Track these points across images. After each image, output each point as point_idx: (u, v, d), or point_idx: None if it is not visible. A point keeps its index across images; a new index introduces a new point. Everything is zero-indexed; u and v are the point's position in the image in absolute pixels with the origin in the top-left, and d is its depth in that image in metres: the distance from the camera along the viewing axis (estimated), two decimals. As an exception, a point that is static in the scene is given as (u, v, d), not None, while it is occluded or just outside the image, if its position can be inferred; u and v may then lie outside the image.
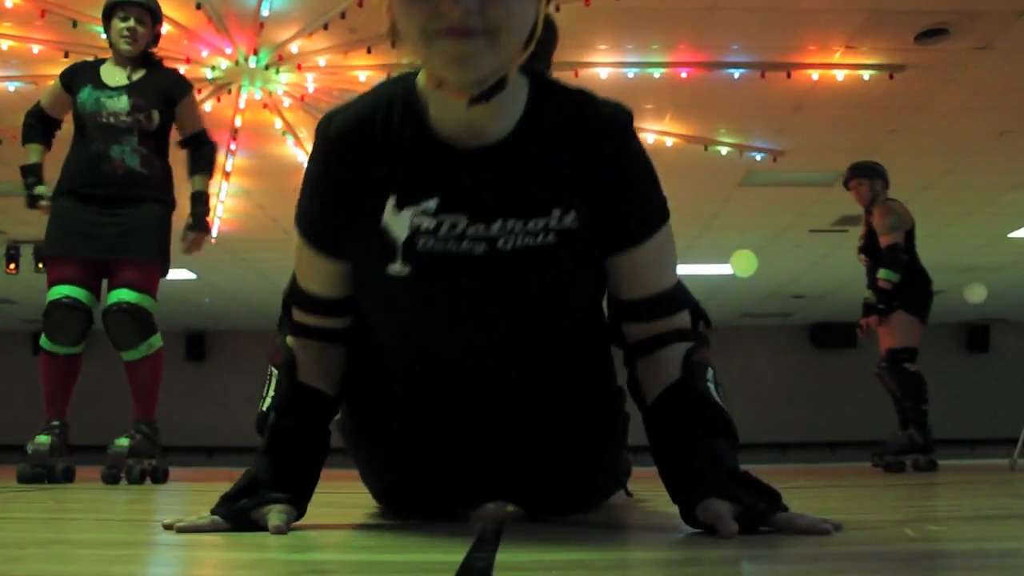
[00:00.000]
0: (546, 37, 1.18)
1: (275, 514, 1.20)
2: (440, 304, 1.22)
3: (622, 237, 1.24)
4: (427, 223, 1.18)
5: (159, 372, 3.43)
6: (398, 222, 1.19)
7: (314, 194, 1.25)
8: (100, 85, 3.42)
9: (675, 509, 1.23)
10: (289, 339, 1.35)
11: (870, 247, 4.86)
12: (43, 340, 3.32)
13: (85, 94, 3.39)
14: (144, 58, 3.51)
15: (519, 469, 1.43)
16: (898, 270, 4.66)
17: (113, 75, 3.46)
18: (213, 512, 1.23)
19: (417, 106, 1.19)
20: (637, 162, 1.24)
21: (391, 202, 1.19)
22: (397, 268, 1.19)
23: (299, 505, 1.27)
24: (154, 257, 3.39)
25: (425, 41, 1.07)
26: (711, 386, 1.25)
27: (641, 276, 1.27)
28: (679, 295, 1.31)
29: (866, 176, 4.93)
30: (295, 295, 1.34)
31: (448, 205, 1.18)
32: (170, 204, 3.52)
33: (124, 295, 3.28)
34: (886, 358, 4.79)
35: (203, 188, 3.57)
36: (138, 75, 3.46)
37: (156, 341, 3.38)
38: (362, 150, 1.20)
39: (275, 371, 1.34)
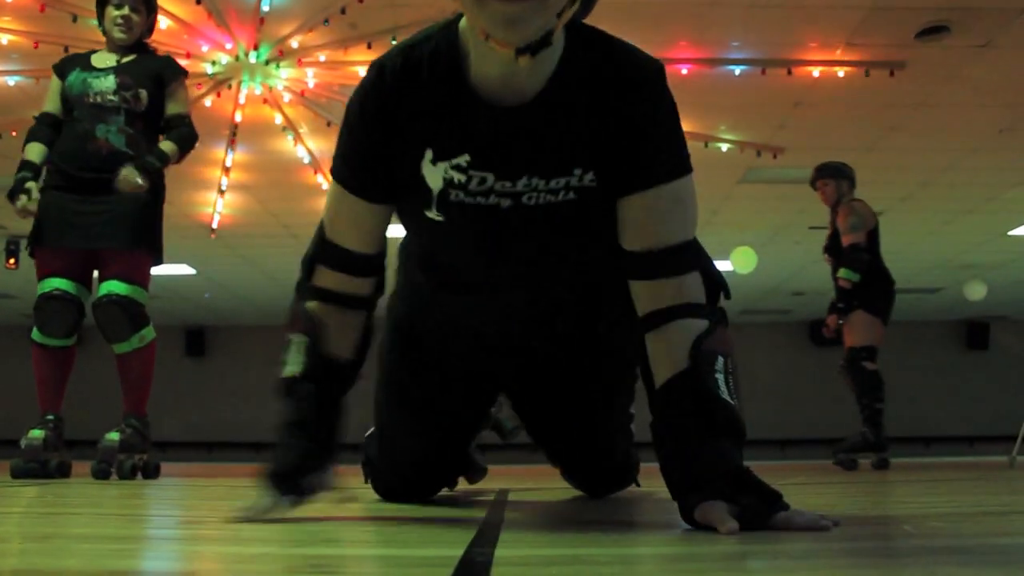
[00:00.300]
0: None
1: (331, 483, 1.33)
2: (469, 245, 1.35)
3: (633, 179, 1.25)
4: (459, 177, 1.27)
5: (151, 365, 3.37)
6: (433, 174, 1.27)
7: (360, 137, 1.29)
8: (88, 68, 3.36)
9: (675, 504, 1.23)
10: (311, 304, 1.37)
11: (834, 247, 4.89)
12: (35, 333, 3.28)
13: (73, 76, 3.33)
14: (138, 48, 3.44)
15: (533, 377, 1.70)
16: (858, 269, 4.70)
17: (104, 60, 3.40)
18: (279, 490, 1.28)
19: (459, 60, 1.24)
20: (664, 111, 1.25)
21: (429, 154, 1.27)
22: (433, 214, 1.30)
23: (332, 468, 1.37)
24: (143, 245, 3.29)
25: (476, 0, 1.11)
26: (720, 378, 1.21)
27: (647, 225, 1.26)
28: (689, 255, 1.27)
29: (832, 177, 4.96)
30: (324, 252, 1.36)
31: (478, 162, 1.26)
32: (160, 189, 3.39)
33: (114, 287, 3.22)
34: (845, 357, 4.83)
35: (167, 151, 3.33)
36: (128, 59, 3.40)
37: (148, 333, 3.32)
38: (409, 98, 1.25)
39: (295, 338, 1.35)
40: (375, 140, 1.28)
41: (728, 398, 1.21)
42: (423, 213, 1.30)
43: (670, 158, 1.26)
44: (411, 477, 1.80)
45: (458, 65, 1.24)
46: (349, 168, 1.32)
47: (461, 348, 1.63)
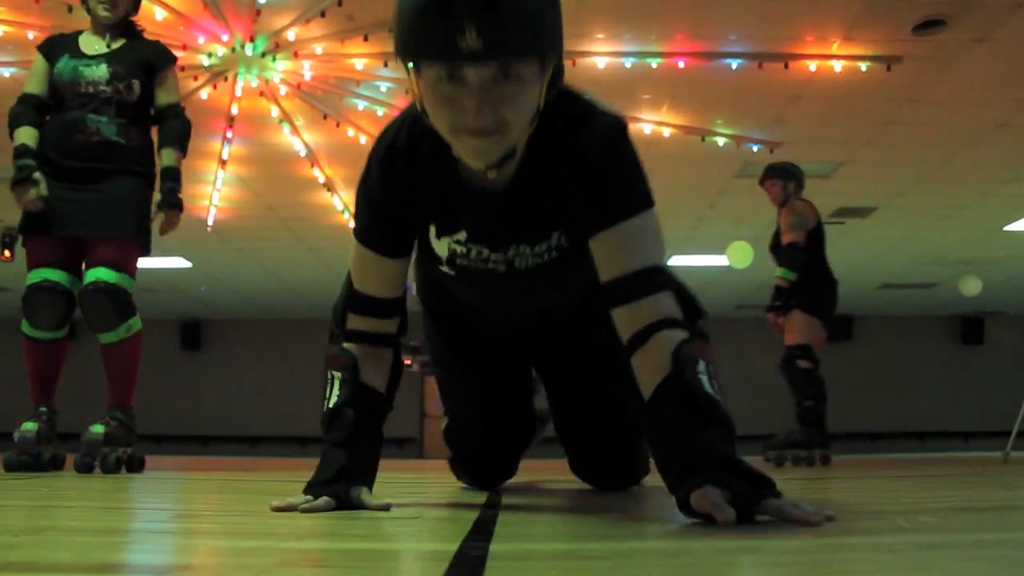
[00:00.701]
0: (555, 74, 1.32)
1: (367, 495, 1.44)
2: (477, 291, 1.69)
3: (599, 221, 1.39)
4: (460, 249, 1.52)
5: (137, 356, 3.29)
6: (439, 245, 1.53)
7: (375, 206, 1.49)
8: (78, 54, 3.27)
9: (672, 500, 1.23)
10: (346, 345, 1.56)
11: (778, 246, 4.90)
12: (24, 325, 3.23)
13: (62, 63, 3.25)
14: (124, 28, 3.36)
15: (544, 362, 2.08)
16: (795, 268, 4.72)
17: (92, 44, 3.31)
18: (316, 494, 1.40)
19: (448, 150, 1.37)
20: (621, 163, 1.39)
21: (433, 229, 1.51)
22: (445, 270, 1.58)
23: (371, 487, 1.51)
24: (131, 232, 3.22)
25: (451, 134, 1.30)
26: (703, 378, 1.27)
27: (617, 255, 1.38)
28: (659, 276, 1.37)
29: (780, 177, 4.97)
30: (352, 301, 1.57)
31: (474, 237, 1.51)
32: (150, 177, 3.33)
33: (101, 274, 3.14)
34: (782, 355, 4.86)
35: (172, 163, 3.29)
36: (117, 44, 3.31)
37: (135, 323, 3.23)
38: (413, 180, 1.45)
39: (336, 375, 1.53)
40: (389, 207, 1.47)
41: (713, 394, 1.26)
42: (437, 268, 1.58)
43: (631, 200, 1.39)
44: (488, 440, 2.07)
45: (448, 154, 1.38)
46: (368, 231, 1.51)
47: (479, 327, 1.92)
